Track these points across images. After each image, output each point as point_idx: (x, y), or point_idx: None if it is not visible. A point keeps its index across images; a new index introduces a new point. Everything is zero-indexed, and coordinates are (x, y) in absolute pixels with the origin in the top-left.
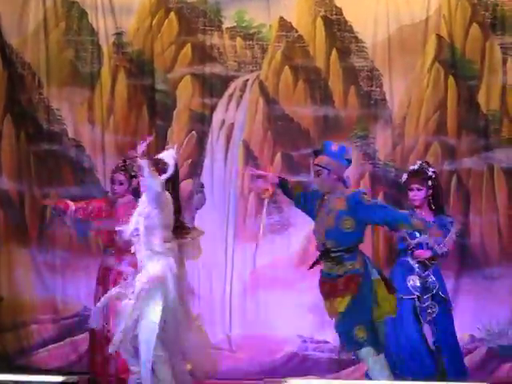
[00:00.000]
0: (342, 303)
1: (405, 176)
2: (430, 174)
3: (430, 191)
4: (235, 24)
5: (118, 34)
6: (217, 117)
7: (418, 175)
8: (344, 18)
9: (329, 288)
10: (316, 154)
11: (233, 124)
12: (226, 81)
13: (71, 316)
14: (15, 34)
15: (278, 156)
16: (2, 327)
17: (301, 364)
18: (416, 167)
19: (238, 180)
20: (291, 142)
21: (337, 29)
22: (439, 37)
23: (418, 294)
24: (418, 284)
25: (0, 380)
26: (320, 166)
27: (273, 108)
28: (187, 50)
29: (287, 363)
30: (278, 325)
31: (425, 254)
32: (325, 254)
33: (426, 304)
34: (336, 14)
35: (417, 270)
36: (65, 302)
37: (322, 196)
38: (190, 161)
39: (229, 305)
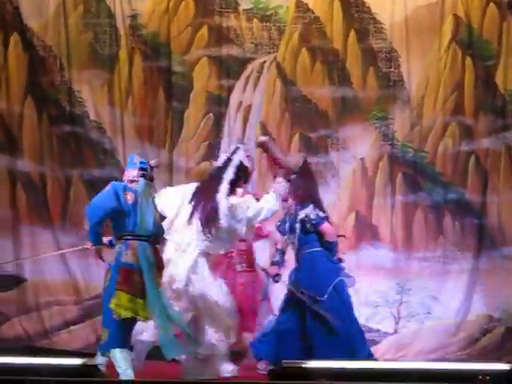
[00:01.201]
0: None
1: None
2: None
3: None
4: (252, 6)
5: (134, 17)
6: (234, 99)
7: None
8: None
9: None
10: None
11: (250, 106)
12: (243, 63)
13: (93, 297)
14: (36, 17)
15: (296, 137)
16: (25, 308)
17: None
18: None
19: (255, 161)
20: (309, 123)
21: (354, 10)
22: (456, 17)
23: None
24: None
25: (20, 363)
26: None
27: (290, 89)
28: (204, 31)
29: None
30: None
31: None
32: None
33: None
34: None
35: None
36: (87, 283)
37: None
38: (207, 143)
39: None
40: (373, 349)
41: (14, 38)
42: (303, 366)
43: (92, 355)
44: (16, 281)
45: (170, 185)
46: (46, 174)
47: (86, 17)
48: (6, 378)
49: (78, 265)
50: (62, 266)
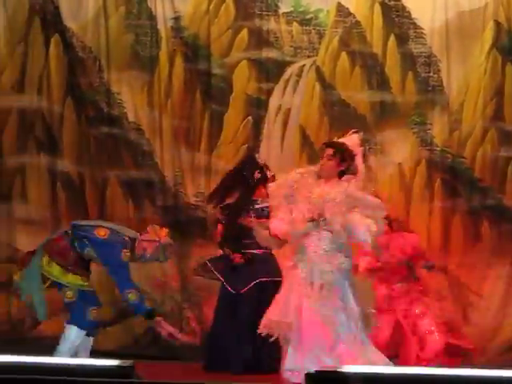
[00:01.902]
0: None
1: None
2: None
3: None
4: (292, 9)
5: (176, 19)
6: (273, 102)
7: None
8: (402, 3)
9: None
10: None
11: (289, 109)
12: (282, 66)
13: None
14: (75, 18)
15: None
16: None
17: None
18: None
19: (294, 165)
20: (347, 127)
21: (395, 14)
22: (497, 23)
23: None
24: None
25: (54, 363)
26: None
27: (329, 93)
28: (244, 34)
29: None
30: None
31: None
32: None
33: None
34: (394, 0)
35: None
36: None
37: None
38: (245, 146)
39: None
40: None
41: (55, 39)
42: (340, 370)
43: (127, 356)
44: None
45: (207, 188)
46: (85, 175)
47: (127, 18)
48: (41, 378)
49: None
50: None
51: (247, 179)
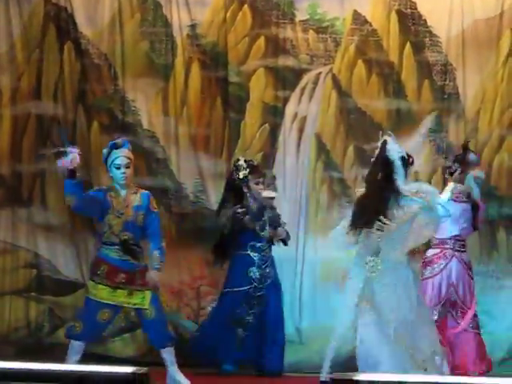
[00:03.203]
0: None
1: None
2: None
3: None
4: (308, 17)
5: (192, 26)
6: (289, 109)
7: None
8: (418, 12)
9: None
10: None
11: (305, 117)
12: (298, 74)
13: None
14: (91, 25)
15: (351, 149)
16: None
17: None
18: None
19: (309, 172)
20: (363, 135)
21: (411, 23)
22: None
23: (255, 284)
24: (258, 275)
25: (69, 370)
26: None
27: (345, 101)
28: (260, 42)
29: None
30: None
31: None
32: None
33: (261, 293)
34: (410, 8)
35: (257, 261)
36: None
37: None
38: (262, 153)
39: (299, 297)
40: None
41: (69, 46)
42: (354, 378)
43: (144, 364)
44: (74, 286)
45: None
46: (101, 182)
47: (142, 25)
48: None
49: None
50: None
51: (236, 183)
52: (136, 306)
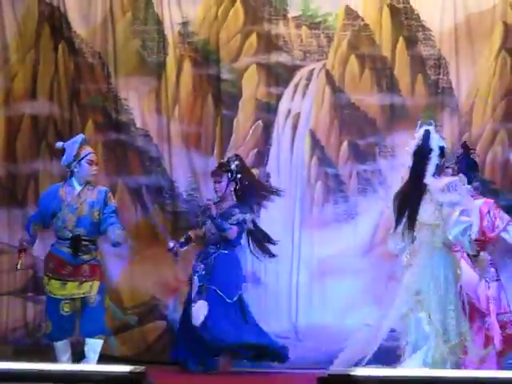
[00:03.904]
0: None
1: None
2: (232, 167)
3: (233, 184)
4: (301, 13)
5: (184, 24)
6: (283, 106)
7: (220, 168)
8: (411, 6)
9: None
10: None
11: (299, 113)
12: (291, 70)
13: (140, 305)
14: (84, 24)
15: (345, 145)
16: None
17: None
18: (223, 161)
19: (304, 169)
20: (357, 130)
21: (404, 17)
22: (506, 24)
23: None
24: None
25: (65, 369)
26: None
27: (339, 97)
28: (253, 39)
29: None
30: (344, 314)
31: None
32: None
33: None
34: (403, 3)
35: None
36: (132, 292)
37: None
38: (255, 150)
39: (295, 293)
40: None
41: (62, 45)
42: (351, 373)
43: (140, 362)
44: None
45: None
46: (95, 181)
47: (133, 24)
48: None
49: (122, 273)
50: (107, 272)
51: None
52: (84, 295)
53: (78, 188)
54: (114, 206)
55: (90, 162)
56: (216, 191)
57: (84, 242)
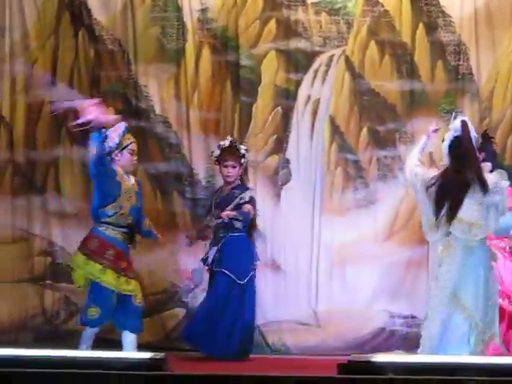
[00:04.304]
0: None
1: (217, 151)
2: (242, 152)
3: (242, 169)
4: None
5: (203, 10)
6: (302, 92)
7: (233, 153)
8: None
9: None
10: None
11: (318, 99)
12: (311, 56)
13: (159, 292)
14: (104, 11)
15: (365, 131)
16: None
17: (388, 339)
18: (227, 144)
19: (324, 155)
20: (377, 116)
21: (423, 3)
22: None
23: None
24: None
25: (87, 356)
26: None
27: (359, 83)
28: (272, 25)
29: (374, 339)
30: (364, 300)
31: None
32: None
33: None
34: None
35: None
36: (151, 278)
37: None
38: (275, 136)
39: (315, 280)
40: None
41: (82, 32)
42: (371, 360)
43: (160, 349)
44: None
45: None
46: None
47: (153, 11)
48: (73, 372)
49: (143, 259)
50: None
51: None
52: (130, 293)
53: (130, 177)
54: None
55: (132, 152)
56: (227, 176)
57: (135, 233)
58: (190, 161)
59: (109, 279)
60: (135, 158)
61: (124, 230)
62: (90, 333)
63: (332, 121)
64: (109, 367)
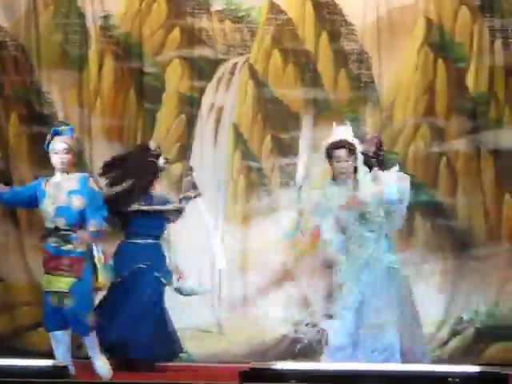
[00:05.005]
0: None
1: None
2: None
3: None
4: (224, 7)
5: (105, 17)
6: (206, 100)
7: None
8: (334, 0)
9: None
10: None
11: (222, 107)
12: (215, 64)
13: None
14: (8, 16)
15: (268, 139)
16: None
17: (291, 347)
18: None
19: (227, 163)
20: (281, 124)
21: (326, 11)
22: (428, 19)
23: None
24: None
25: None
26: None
27: (262, 91)
28: (176, 33)
29: (277, 346)
30: (267, 308)
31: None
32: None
33: None
34: None
35: None
36: None
37: None
38: (178, 144)
39: (218, 288)
40: None
41: None
42: (272, 367)
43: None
44: None
45: None
46: (14, 174)
47: (56, 17)
48: None
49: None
50: (23, 266)
51: (148, 167)
52: (61, 290)
53: (57, 178)
54: (95, 193)
55: (56, 152)
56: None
57: (63, 232)
58: (91, 167)
59: (43, 281)
60: (60, 156)
61: (52, 233)
62: (53, 336)
63: (236, 128)
64: (11, 375)
